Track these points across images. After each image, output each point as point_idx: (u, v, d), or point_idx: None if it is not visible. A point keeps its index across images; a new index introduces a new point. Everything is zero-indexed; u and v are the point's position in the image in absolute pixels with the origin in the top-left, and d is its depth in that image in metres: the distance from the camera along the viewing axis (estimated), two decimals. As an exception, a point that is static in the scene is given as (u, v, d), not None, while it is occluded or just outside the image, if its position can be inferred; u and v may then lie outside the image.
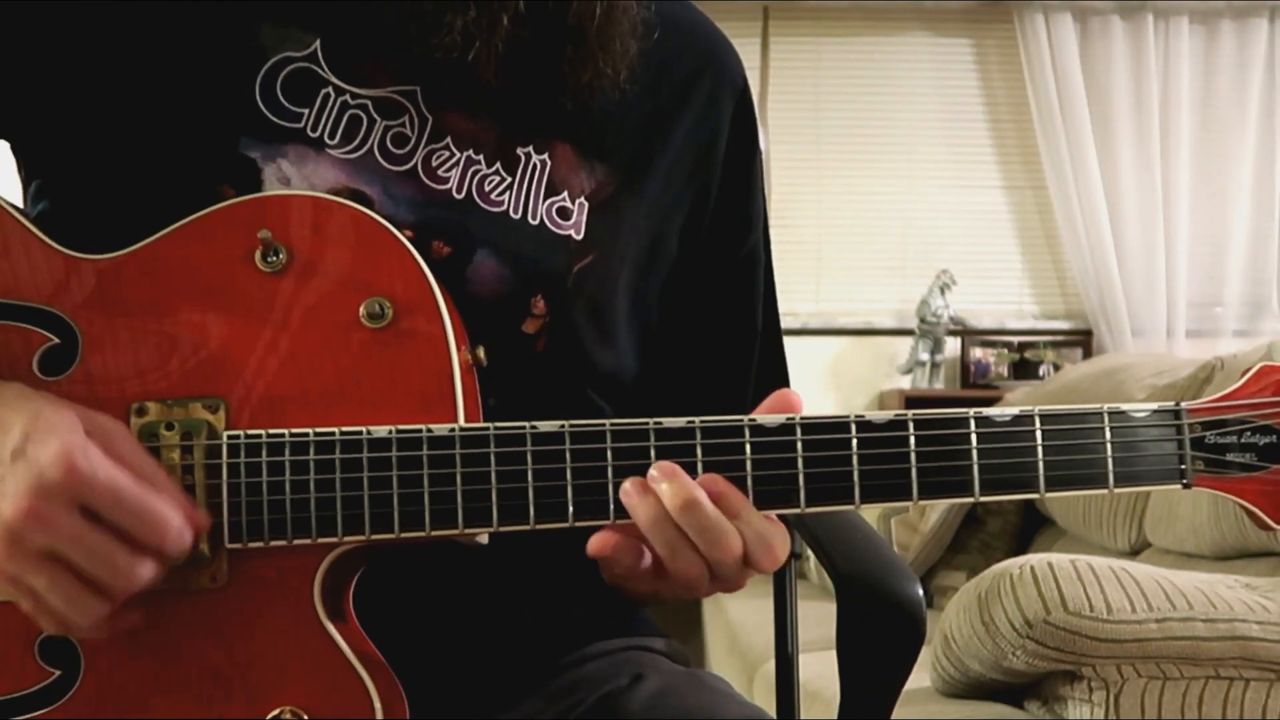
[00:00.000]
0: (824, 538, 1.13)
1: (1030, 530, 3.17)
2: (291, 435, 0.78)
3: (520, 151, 0.99)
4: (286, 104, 0.95)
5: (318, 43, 0.96)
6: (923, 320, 4.26)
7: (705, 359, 1.11)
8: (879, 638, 1.10)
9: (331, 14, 0.96)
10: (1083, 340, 4.41)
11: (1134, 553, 2.53)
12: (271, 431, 0.78)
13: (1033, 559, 1.56)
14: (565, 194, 1.01)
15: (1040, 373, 4.32)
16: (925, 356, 4.26)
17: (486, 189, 0.98)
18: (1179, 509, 2.27)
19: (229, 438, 0.78)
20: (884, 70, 4.51)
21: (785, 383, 1.14)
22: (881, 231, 4.51)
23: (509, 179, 0.99)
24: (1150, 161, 4.32)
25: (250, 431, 0.78)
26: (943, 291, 4.24)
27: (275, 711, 0.79)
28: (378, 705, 0.80)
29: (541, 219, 0.99)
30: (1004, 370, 4.38)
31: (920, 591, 1.08)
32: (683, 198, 1.07)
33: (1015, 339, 4.44)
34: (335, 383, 0.81)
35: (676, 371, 1.08)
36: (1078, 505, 2.81)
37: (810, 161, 4.48)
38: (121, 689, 0.81)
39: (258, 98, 0.95)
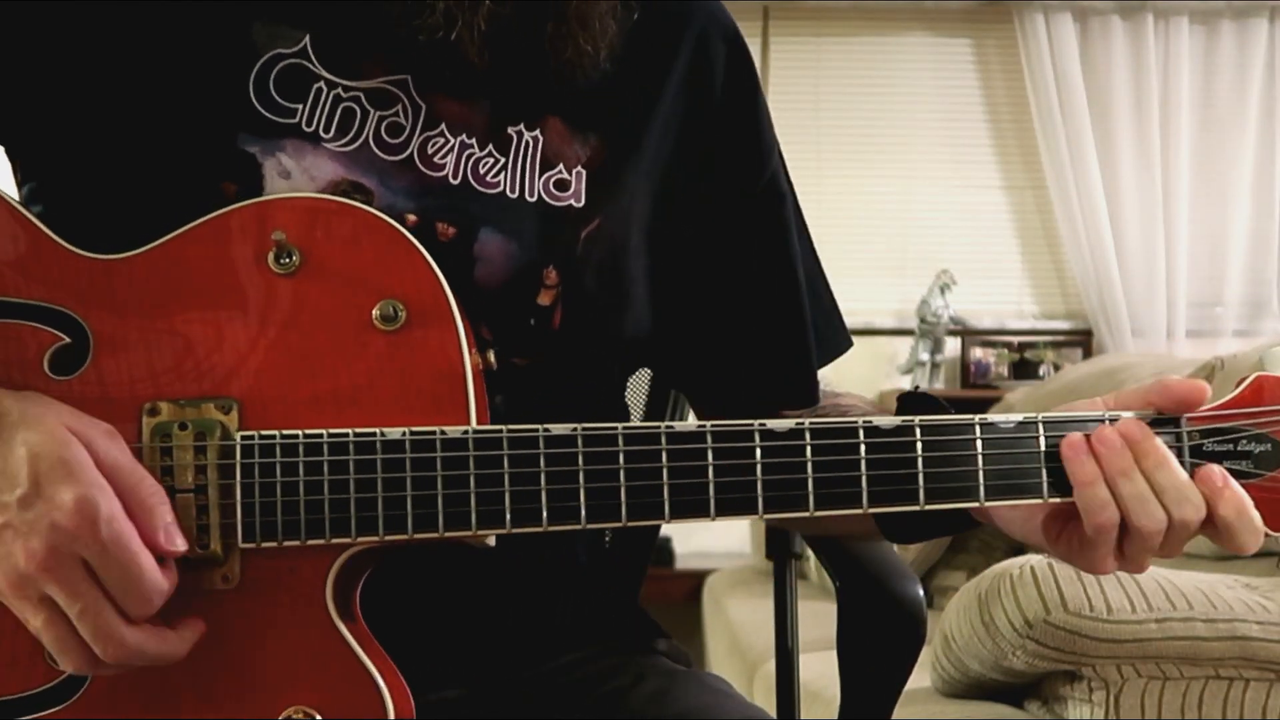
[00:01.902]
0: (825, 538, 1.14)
1: None
2: (305, 436, 0.79)
3: (511, 131, 1.01)
4: (280, 100, 0.97)
5: (307, 39, 0.98)
6: (923, 320, 4.32)
7: (749, 307, 1.12)
8: (880, 638, 1.11)
9: (319, 10, 0.99)
10: (1083, 340, 4.46)
11: None
12: (285, 432, 0.79)
13: (1033, 559, 1.57)
14: (560, 166, 1.03)
15: (1040, 373, 4.38)
16: (925, 356, 4.31)
17: (481, 171, 1.00)
18: None
19: (243, 438, 0.79)
20: (884, 70, 4.57)
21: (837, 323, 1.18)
22: (881, 231, 4.55)
23: (502, 159, 1.01)
24: (1150, 161, 4.37)
25: (264, 432, 0.79)
26: (943, 291, 4.29)
27: (287, 711, 0.80)
28: (389, 704, 0.81)
29: (539, 195, 1.01)
30: (1004, 370, 4.44)
31: (920, 591, 1.10)
32: (681, 147, 1.08)
33: (1015, 339, 4.49)
34: (348, 384, 0.82)
35: (723, 327, 1.10)
36: None
37: (810, 161, 4.50)
38: (131, 689, 0.81)
39: (251, 95, 0.97)
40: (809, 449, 0.80)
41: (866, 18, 4.48)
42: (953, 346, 4.45)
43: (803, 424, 0.81)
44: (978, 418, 0.82)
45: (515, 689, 1.03)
